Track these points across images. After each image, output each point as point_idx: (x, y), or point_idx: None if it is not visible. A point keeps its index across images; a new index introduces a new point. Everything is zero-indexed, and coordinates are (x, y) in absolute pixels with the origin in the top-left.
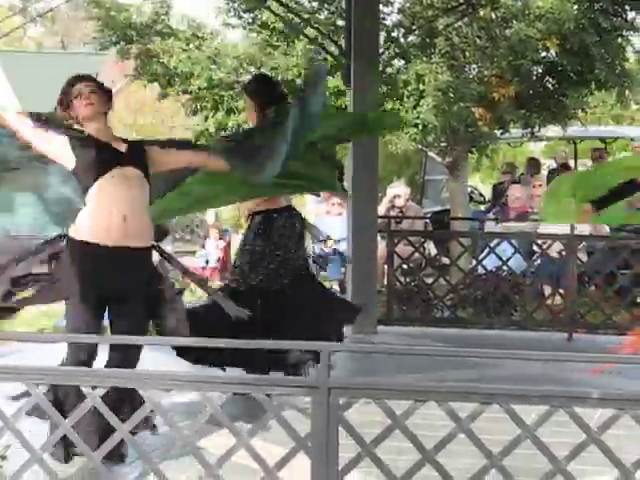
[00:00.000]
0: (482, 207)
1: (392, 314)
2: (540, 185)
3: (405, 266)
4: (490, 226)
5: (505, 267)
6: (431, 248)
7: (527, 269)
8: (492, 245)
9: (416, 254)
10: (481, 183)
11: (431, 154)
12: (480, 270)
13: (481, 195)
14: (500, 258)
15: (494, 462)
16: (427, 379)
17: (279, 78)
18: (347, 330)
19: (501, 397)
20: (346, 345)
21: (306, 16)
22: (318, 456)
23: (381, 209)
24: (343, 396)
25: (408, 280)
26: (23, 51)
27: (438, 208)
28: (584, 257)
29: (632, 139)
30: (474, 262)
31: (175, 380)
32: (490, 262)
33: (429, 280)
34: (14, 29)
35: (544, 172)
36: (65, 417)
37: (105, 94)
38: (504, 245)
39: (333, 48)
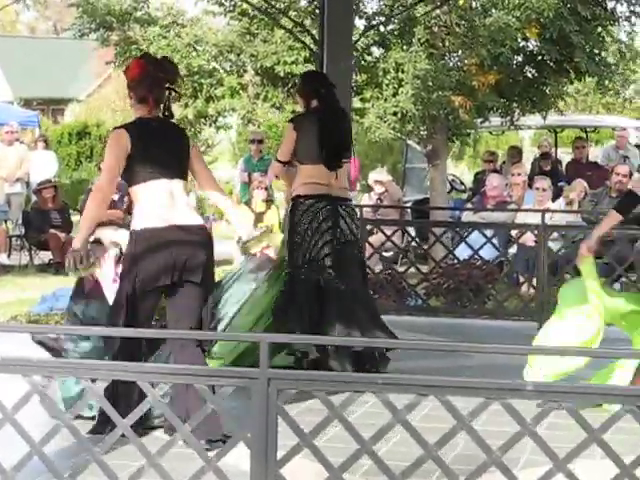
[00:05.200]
0: (464, 196)
1: None
2: (519, 174)
3: (380, 254)
4: (468, 215)
5: (477, 256)
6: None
7: (500, 258)
8: (464, 235)
9: (391, 243)
10: (468, 171)
11: (411, 142)
12: (453, 259)
13: (462, 184)
14: (471, 247)
15: (431, 452)
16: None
17: (258, 65)
18: None
19: (437, 389)
20: (287, 336)
21: (282, 5)
22: (257, 447)
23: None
24: (282, 387)
25: (381, 269)
26: (16, 35)
27: (420, 197)
28: (557, 246)
29: (613, 128)
30: None
31: (120, 370)
32: (464, 252)
33: (402, 269)
34: (5, 6)
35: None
36: None
37: None
38: (477, 234)
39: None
